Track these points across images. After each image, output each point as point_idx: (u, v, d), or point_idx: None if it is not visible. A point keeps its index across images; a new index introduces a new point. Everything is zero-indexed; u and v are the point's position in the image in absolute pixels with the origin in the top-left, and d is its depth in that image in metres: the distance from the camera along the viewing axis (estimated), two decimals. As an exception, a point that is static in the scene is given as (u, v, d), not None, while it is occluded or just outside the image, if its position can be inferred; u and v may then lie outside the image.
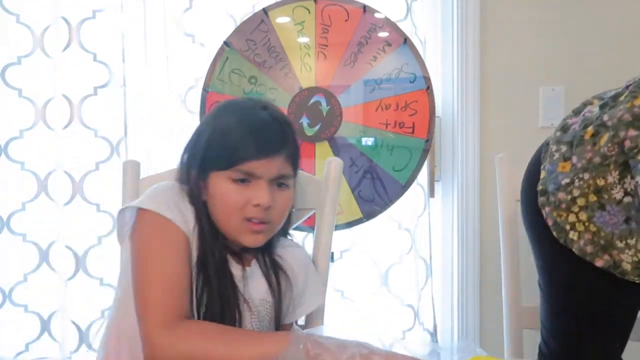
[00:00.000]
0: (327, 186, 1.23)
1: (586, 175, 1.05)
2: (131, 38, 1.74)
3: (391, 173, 1.75)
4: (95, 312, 1.77)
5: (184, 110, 1.79)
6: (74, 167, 1.75)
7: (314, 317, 1.18)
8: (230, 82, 1.75)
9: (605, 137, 1.04)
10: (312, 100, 1.76)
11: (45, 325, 1.76)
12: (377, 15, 1.76)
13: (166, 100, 1.77)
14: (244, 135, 0.97)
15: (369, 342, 0.85)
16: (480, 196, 1.87)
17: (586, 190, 1.04)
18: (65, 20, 1.72)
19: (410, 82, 1.75)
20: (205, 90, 1.74)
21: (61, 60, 1.71)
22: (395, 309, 1.86)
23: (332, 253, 1.77)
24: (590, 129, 1.07)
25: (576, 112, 1.16)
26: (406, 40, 1.76)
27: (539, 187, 1.13)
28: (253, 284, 1.03)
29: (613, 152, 1.02)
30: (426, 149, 1.75)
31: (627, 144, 1.01)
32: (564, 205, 1.07)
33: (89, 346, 1.77)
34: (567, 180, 1.07)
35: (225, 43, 1.75)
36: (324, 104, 1.76)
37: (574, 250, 1.08)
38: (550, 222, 1.10)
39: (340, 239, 1.83)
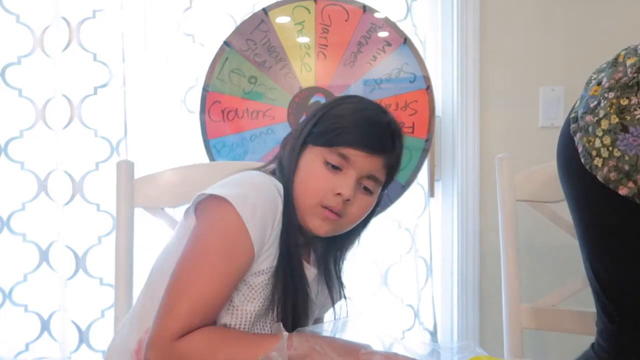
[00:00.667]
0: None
1: (611, 95, 0.99)
2: (131, 38, 1.75)
3: (391, 173, 1.75)
4: (95, 312, 1.77)
5: (184, 110, 1.79)
6: (74, 167, 1.75)
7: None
8: (230, 82, 1.75)
9: (633, 59, 0.99)
10: (312, 100, 1.76)
11: (45, 325, 1.76)
12: (377, 15, 1.76)
13: (166, 100, 1.77)
14: (358, 122, 0.97)
15: (369, 345, 0.85)
16: (480, 196, 1.87)
17: (609, 110, 0.98)
18: (65, 20, 1.72)
19: (410, 82, 1.76)
20: (205, 90, 1.74)
21: (61, 60, 1.71)
22: (395, 309, 1.86)
23: (332, 253, 1.77)
24: (622, 53, 1.04)
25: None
26: (406, 40, 1.76)
27: (572, 115, 1.08)
28: (316, 288, 1.04)
29: (637, 74, 0.97)
30: (426, 149, 1.75)
31: None
32: (590, 129, 1.02)
33: (89, 346, 1.77)
34: (594, 103, 1.02)
35: (225, 43, 1.75)
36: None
37: (598, 177, 1.00)
38: (580, 149, 1.04)
39: (340, 239, 1.83)
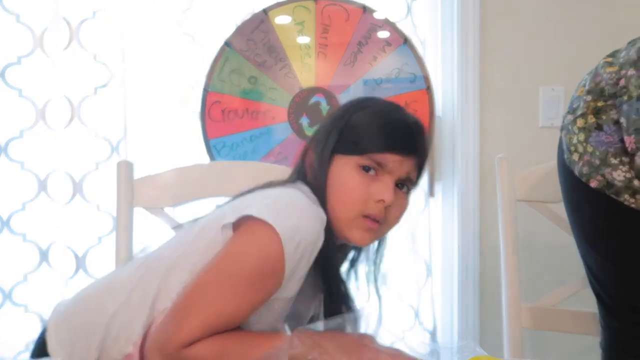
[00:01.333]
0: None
1: (589, 97, 1.06)
2: (131, 38, 1.74)
3: (391, 173, 1.75)
4: (95, 312, 1.77)
5: (184, 111, 1.79)
6: (74, 167, 1.75)
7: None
8: (231, 82, 1.75)
9: (613, 68, 1.05)
10: (312, 100, 1.77)
11: (45, 325, 1.76)
12: (377, 15, 1.76)
13: (166, 101, 1.77)
14: (384, 126, 0.96)
15: (372, 335, 0.85)
16: (480, 196, 1.87)
17: (586, 110, 1.06)
18: (65, 20, 1.72)
19: (410, 82, 1.76)
20: (205, 90, 1.75)
21: (61, 60, 1.71)
22: (395, 309, 1.86)
23: (332, 253, 1.76)
24: (608, 59, 1.09)
25: None
26: (406, 40, 1.76)
27: (564, 114, 1.15)
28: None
29: (610, 82, 1.04)
30: (426, 149, 1.75)
31: (622, 82, 1.02)
32: (570, 127, 1.09)
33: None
34: (577, 103, 1.09)
35: (226, 43, 1.75)
36: (324, 104, 1.76)
37: (575, 171, 1.08)
38: (564, 146, 1.12)
39: (340, 239, 1.83)
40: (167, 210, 1.32)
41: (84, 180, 1.75)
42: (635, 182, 1.01)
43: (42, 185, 1.73)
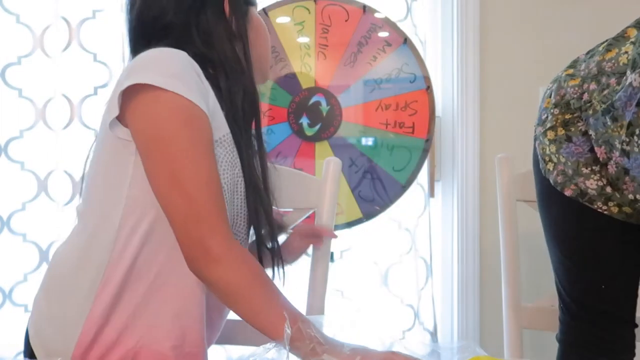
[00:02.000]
0: (325, 186, 1.23)
1: (556, 111, 1.11)
2: (131, 38, 1.74)
3: (391, 173, 1.75)
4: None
5: (184, 110, 1.78)
6: (74, 167, 1.75)
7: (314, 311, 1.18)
8: (230, 82, 1.75)
9: (575, 81, 1.09)
10: (312, 100, 1.76)
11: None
12: (377, 15, 1.76)
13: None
14: None
15: (367, 347, 0.84)
16: (480, 196, 1.87)
17: (555, 123, 1.11)
18: (65, 20, 1.72)
19: (410, 82, 1.76)
20: (205, 90, 1.74)
21: (61, 60, 1.71)
22: (395, 309, 1.86)
23: (332, 253, 1.77)
24: (569, 70, 1.14)
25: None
26: (406, 40, 1.76)
27: (534, 124, 1.21)
28: None
29: (575, 97, 1.08)
30: (426, 149, 1.75)
31: (585, 96, 1.06)
32: (541, 138, 1.15)
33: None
34: (545, 115, 1.14)
35: (225, 43, 1.75)
36: (324, 104, 1.76)
37: (550, 180, 1.13)
38: (538, 155, 1.18)
39: (340, 239, 1.82)
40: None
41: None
42: (608, 189, 1.06)
43: (42, 185, 1.73)
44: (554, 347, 1.80)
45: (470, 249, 1.88)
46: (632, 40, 1.06)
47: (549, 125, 1.12)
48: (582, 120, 1.07)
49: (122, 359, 0.91)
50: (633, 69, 0.96)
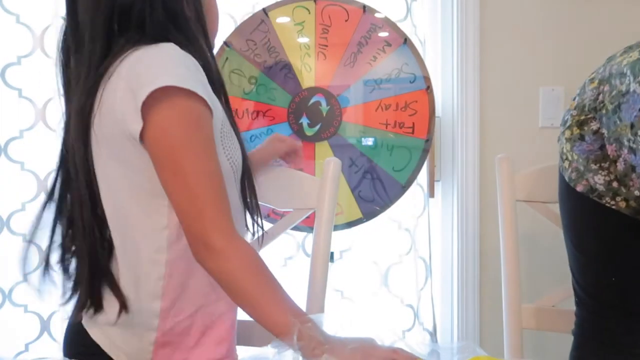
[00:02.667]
0: (325, 186, 1.23)
1: (575, 112, 1.18)
2: (131, 38, 1.74)
3: (391, 173, 1.75)
4: (95, 312, 1.77)
5: (184, 110, 1.78)
6: (74, 167, 1.74)
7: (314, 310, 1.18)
8: (230, 82, 1.75)
9: (594, 84, 1.15)
10: (312, 101, 1.76)
11: (45, 326, 1.76)
12: (377, 15, 1.76)
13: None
14: None
15: (374, 339, 0.84)
16: (480, 196, 1.87)
17: (571, 123, 1.18)
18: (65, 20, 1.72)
19: (410, 82, 1.76)
20: (205, 90, 1.74)
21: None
22: (395, 309, 1.86)
23: (332, 253, 1.77)
24: (592, 74, 1.19)
25: None
26: (406, 40, 1.76)
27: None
28: None
29: (592, 98, 1.14)
30: (426, 149, 1.75)
31: (600, 97, 1.12)
32: (561, 137, 1.21)
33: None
34: (566, 117, 1.21)
35: (225, 43, 1.75)
36: (324, 104, 1.76)
37: (565, 177, 1.20)
38: (559, 154, 1.23)
39: (340, 239, 1.83)
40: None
41: (84, 180, 1.75)
42: (615, 184, 1.11)
43: (42, 185, 1.73)
44: (554, 347, 1.81)
45: (470, 249, 1.88)
46: None
47: (567, 125, 1.19)
48: (595, 119, 1.13)
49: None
50: (635, 76, 1.01)
